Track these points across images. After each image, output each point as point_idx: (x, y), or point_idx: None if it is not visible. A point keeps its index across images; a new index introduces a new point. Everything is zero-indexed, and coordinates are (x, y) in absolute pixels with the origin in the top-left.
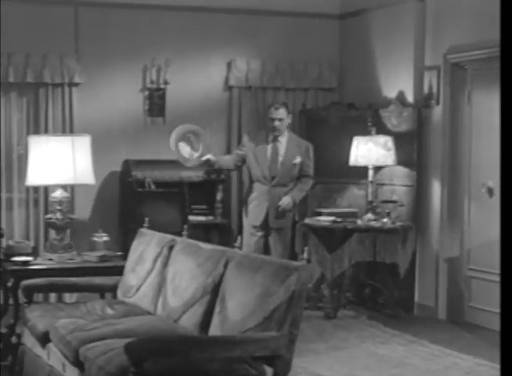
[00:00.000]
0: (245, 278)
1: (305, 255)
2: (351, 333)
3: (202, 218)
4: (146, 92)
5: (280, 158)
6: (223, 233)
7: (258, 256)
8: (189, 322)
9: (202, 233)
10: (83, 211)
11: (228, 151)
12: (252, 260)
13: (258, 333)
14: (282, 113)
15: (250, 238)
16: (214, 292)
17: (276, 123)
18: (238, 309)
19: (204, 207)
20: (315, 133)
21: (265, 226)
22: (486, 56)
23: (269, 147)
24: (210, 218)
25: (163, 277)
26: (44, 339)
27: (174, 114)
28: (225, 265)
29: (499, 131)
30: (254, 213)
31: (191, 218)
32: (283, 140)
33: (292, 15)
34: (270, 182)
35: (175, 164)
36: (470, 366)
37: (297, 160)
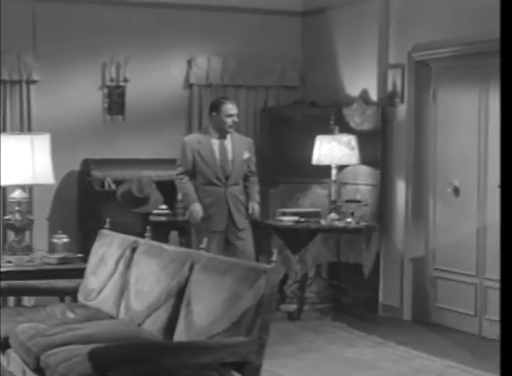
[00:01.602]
0: (212, 281)
1: (274, 258)
2: (318, 335)
3: (163, 219)
4: (106, 90)
5: (230, 156)
6: (184, 234)
7: (225, 258)
8: (153, 326)
9: (163, 233)
10: (42, 211)
11: None
12: (219, 262)
13: (226, 338)
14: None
15: (210, 243)
16: (179, 296)
17: (235, 119)
18: (205, 314)
19: (165, 207)
20: (277, 132)
21: (228, 229)
22: (451, 54)
23: (216, 146)
24: (171, 218)
25: (125, 280)
26: (3, 345)
27: (134, 112)
28: (191, 268)
29: (464, 129)
30: (216, 219)
31: (152, 218)
32: (229, 137)
33: (254, 12)
34: (225, 183)
35: (135, 162)
36: (440, 369)
37: (246, 155)
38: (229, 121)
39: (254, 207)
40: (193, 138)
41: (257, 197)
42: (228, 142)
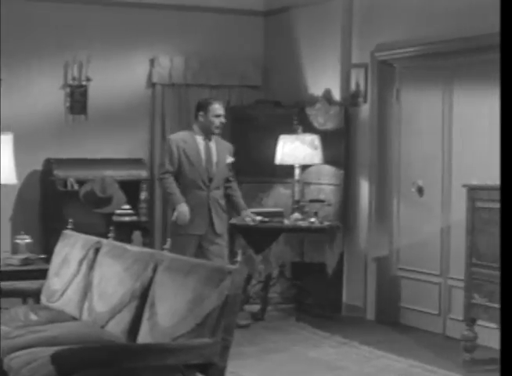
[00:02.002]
0: (176, 282)
1: (239, 258)
2: (281, 335)
3: (126, 219)
4: (68, 89)
5: (214, 158)
6: (147, 234)
7: (190, 259)
8: (116, 328)
9: (126, 233)
10: (4, 212)
11: (152, 149)
12: (183, 263)
13: (190, 340)
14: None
15: (186, 247)
16: (143, 297)
17: (222, 119)
18: (169, 315)
19: (128, 207)
20: (240, 131)
21: (207, 234)
22: (414, 53)
23: (202, 146)
24: (134, 218)
25: (88, 281)
26: None
27: (97, 112)
28: (154, 269)
29: (428, 129)
30: (196, 222)
31: (115, 218)
32: (213, 139)
33: (216, 11)
34: (208, 186)
35: (98, 162)
36: (403, 369)
37: (229, 160)
38: (217, 121)
39: (249, 214)
40: (179, 136)
41: (244, 204)
42: (212, 144)
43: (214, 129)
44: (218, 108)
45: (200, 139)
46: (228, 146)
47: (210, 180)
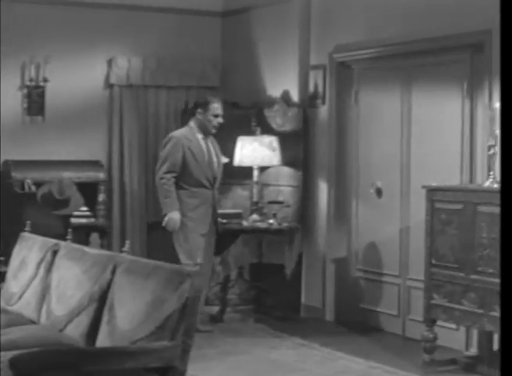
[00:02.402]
0: (135, 285)
1: (199, 260)
2: (241, 337)
3: (83, 221)
4: (25, 90)
5: (214, 158)
6: (104, 236)
7: (149, 261)
8: (75, 332)
9: (83, 235)
10: None
11: (110, 150)
12: (142, 265)
13: (150, 343)
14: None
15: (195, 245)
16: (102, 300)
17: (220, 120)
18: (128, 318)
19: (86, 208)
20: None
21: (209, 233)
22: (373, 55)
23: (204, 146)
24: (92, 220)
25: (47, 284)
26: None
27: (54, 113)
28: (113, 271)
29: (387, 130)
30: (200, 221)
31: (73, 220)
32: (209, 138)
33: (174, 12)
34: (213, 185)
35: (55, 164)
36: (364, 370)
37: (224, 160)
38: (215, 121)
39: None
40: (182, 133)
41: None
42: (210, 143)
43: (212, 129)
44: (217, 107)
45: (200, 138)
46: (217, 146)
47: (215, 179)
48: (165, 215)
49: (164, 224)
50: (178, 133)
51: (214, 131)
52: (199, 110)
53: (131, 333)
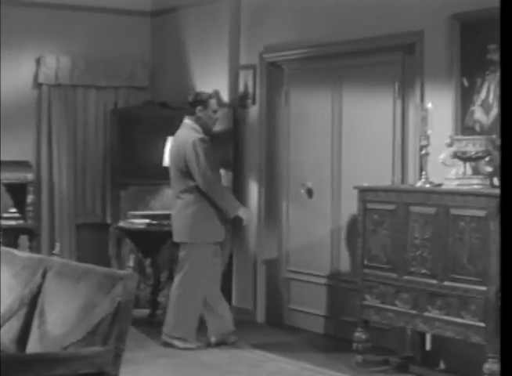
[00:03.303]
0: (66, 289)
1: (131, 263)
2: None
3: (12, 223)
4: None
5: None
6: (33, 238)
7: (80, 264)
8: (5, 337)
9: (12, 237)
10: None
11: (39, 151)
12: (73, 269)
13: (81, 349)
14: None
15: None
16: (32, 304)
17: (217, 116)
18: (59, 323)
19: (15, 210)
20: (127, 133)
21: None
22: (304, 55)
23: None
24: (21, 222)
25: None
26: None
27: None
28: (44, 275)
29: (317, 131)
30: (224, 227)
31: (1, 222)
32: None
33: (103, 11)
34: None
35: None
36: (296, 371)
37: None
38: (215, 117)
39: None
40: (199, 135)
41: None
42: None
43: (212, 125)
44: (214, 103)
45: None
46: None
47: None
48: (233, 214)
49: (245, 223)
50: (198, 135)
51: (213, 128)
52: (199, 108)
53: (62, 338)
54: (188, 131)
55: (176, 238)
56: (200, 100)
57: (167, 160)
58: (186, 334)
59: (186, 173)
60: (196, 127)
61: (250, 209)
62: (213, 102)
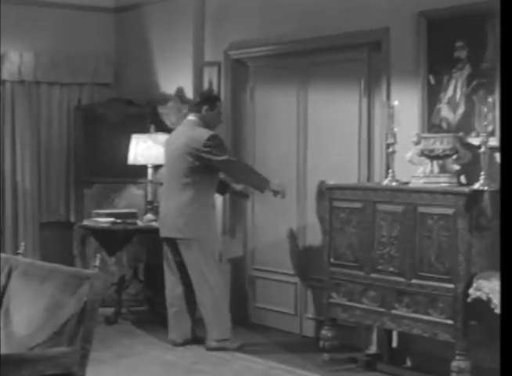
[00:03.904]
0: (31, 289)
1: (97, 263)
2: (136, 339)
3: None
4: None
5: None
6: None
7: (46, 264)
8: None
9: None
10: None
11: (2, 149)
12: (39, 268)
13: (47, 349)
14: None
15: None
16: None
17: (222, 118)
18: (24, 323)
19: None
20: (91, 131)
21: None
22: (269, 52)
23: None
24: None
25: None
26: None
27: None
28: (9, 275)
29: (283, 128)
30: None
31: None
32: None
33: (67, 7)
34: None
35: None
36: (263, 370)
37: None
38: (219, 119)
39: None
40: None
41: None
42: None
43: (214, 127)
44: (221, 105)
45: None
46: None
47: None
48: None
49: (282, 195)
50: (203, 131)
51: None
52: (205, 107)
53: (28, 339)
54: (192, 126)
55: (177, 234)
56: (208, 99)
57: (132, 158)
58: (228, 333)
59: (193, 168)
60: (202, 124)
61: (281, 180)
62: (219, 103)
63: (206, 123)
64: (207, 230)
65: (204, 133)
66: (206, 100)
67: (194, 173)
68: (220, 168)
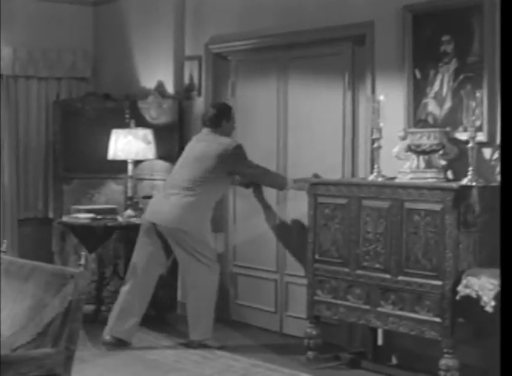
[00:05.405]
0: (14, 288)
1: (82, 261)
2: None
3: None
4: None
5: None
6: None
7: (28, 262)
8: None
9: None
10: None
11: None
12: (21, 267)
13: (31, 350)
14: None
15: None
16: None
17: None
18: (7, 324)
19: None
20: (70, 126)
21: None
22: (250, 46)
23: None
24: None
25: None
26: None
27: None
28: None
29: (264, 122)
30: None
31: None
32: None
33: (44, 0)
34: None
35: None
36: (245, 368)
37: None
38: (234, 126)
39: None
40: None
41: None
42: None
43: (230, 135)
44: (234, 113)
45: None
46: None
47: None
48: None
49: (304, 188)
50: (228, 140)
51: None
52: (224, 120)
53: (11, 339)
54: (215, 135)
55: (172, 224)
56: (225, 113)
57: (112, 154)
58: (209, 333)
59: (211, 171)
60: (221, 134)
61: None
62: (234, 113)
63: (223, 133)
64: (204, 228)
65: (232, 142)
66: (223, 114)
67: (208, 177)
68: (245, 172)
